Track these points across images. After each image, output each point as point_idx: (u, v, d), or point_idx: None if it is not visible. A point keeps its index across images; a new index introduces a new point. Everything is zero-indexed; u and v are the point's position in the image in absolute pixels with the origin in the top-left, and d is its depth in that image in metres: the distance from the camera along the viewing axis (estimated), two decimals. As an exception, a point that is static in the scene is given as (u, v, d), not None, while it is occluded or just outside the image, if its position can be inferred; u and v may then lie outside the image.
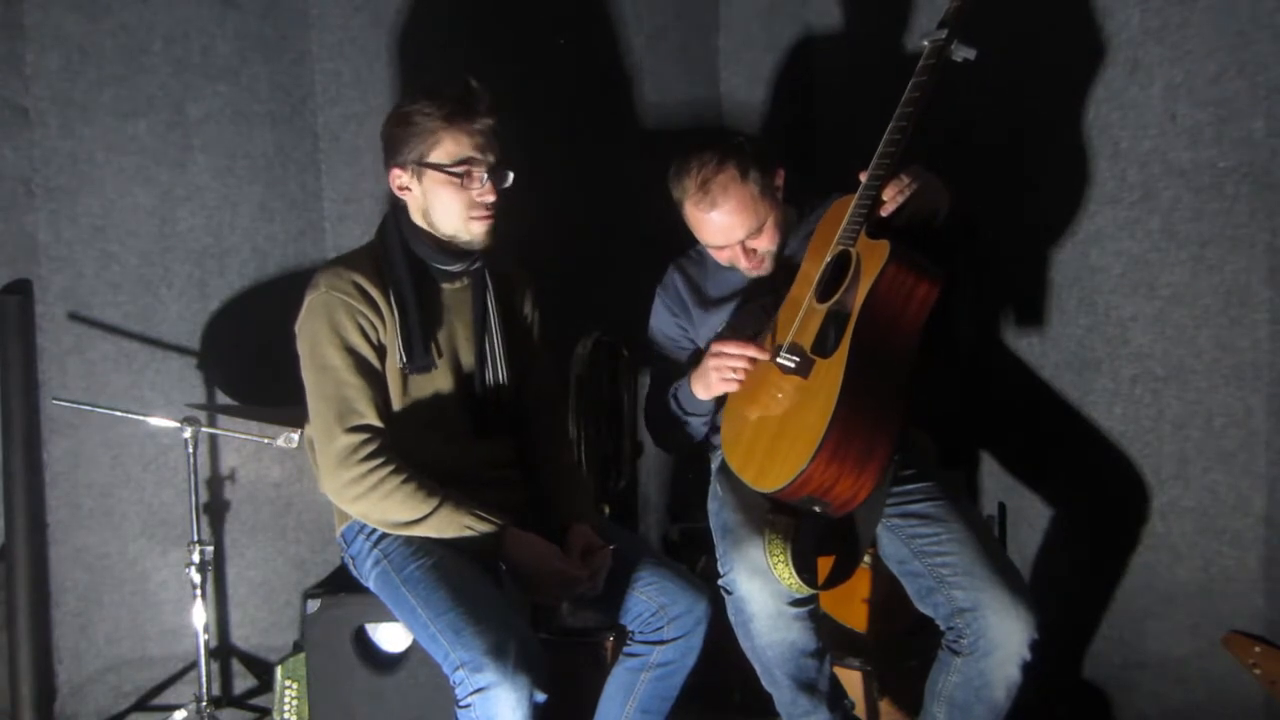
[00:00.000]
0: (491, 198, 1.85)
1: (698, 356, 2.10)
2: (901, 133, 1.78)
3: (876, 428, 1.68)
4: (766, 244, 2.02)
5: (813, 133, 2.88)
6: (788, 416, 1.77)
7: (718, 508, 2.02)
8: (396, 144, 1.84)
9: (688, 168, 1.98)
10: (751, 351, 1.87)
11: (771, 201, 1.99)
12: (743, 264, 2.03)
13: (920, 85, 1.79)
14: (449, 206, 1.84)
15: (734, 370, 1.88)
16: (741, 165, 1.96)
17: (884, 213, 1.79)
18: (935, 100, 1.79)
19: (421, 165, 1.83)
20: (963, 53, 1.79)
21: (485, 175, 1.83)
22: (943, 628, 1.83)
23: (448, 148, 1.82)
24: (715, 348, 1.92)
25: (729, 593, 1.89)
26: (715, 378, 1.91)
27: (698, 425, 2.08)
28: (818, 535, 1.80)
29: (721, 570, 1.92)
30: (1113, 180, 2.04)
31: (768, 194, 1.98)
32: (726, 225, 1.97)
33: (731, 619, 1.91)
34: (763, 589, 1.81)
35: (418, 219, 1.89)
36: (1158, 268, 1.98)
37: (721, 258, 2.07)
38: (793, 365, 1.80)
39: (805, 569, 1.76)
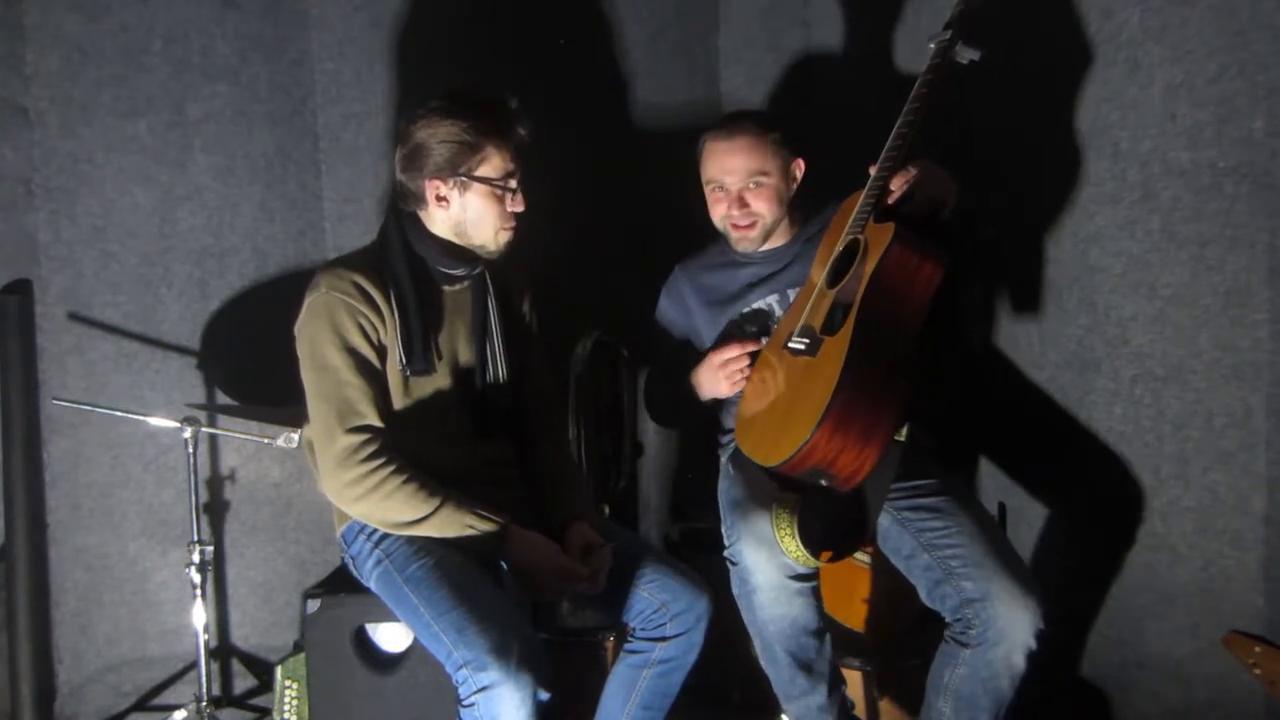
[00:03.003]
0: (521, 208, 1.89)
1: (699, 355, 2.14)
2: (908, 127, 1.82)
3: (880, 402, 1.69)
4: (762, 205, 2.07)
5: (812, 133, 2.88)
6: (796, 393, 1.80)
7: (728, 485, 2.06)
8: (434, 156, 1.83)
9: (721, 119, 2.13)
10: (749, 347, 1.99)
11: (781, 166, 2.08)
12: (734, 214, 2.07)
13: (926, 84, 1.84)
14: (487, 218, 1.87)
15: (741, 372, 1.98)
16: (767, 121, 2.10)
17: (890, 201, 1.83)
18: (941, 99, 1.81)
19: (469, 178, 1.84)
20: (967, 54, 1.84)
21: (517, 187, 1.88)
22: (949, 619, 1.84)
23: (494, 162, 1.85)
24: (718, 356, 2.00)
25: (734, 563, 1.91)
26: (726, 385, 2.00)
27: (699, 409, 2.15)
28: (825, 509, 1.80)
29: (728, 541, 1.94)
30: (1113, 180, 2.04)
31: (780, 157, 2.07)
32: (734, 162, 2.06)
33: (735, 591, 1.93)
34: (768, 560, 1.83)
35: (440, 227, 1.90)
36: (1158, 268, 1.98)
37: (718, 210, 2.10)
38: (803, 347, 1.84)
39: (810, 541, 1.78)
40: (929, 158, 1.86)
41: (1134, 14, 1.97)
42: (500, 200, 1.86)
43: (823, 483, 1.74)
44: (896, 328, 1.75)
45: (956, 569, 1.82)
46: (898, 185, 1.83)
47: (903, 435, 1.79)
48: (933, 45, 1.86)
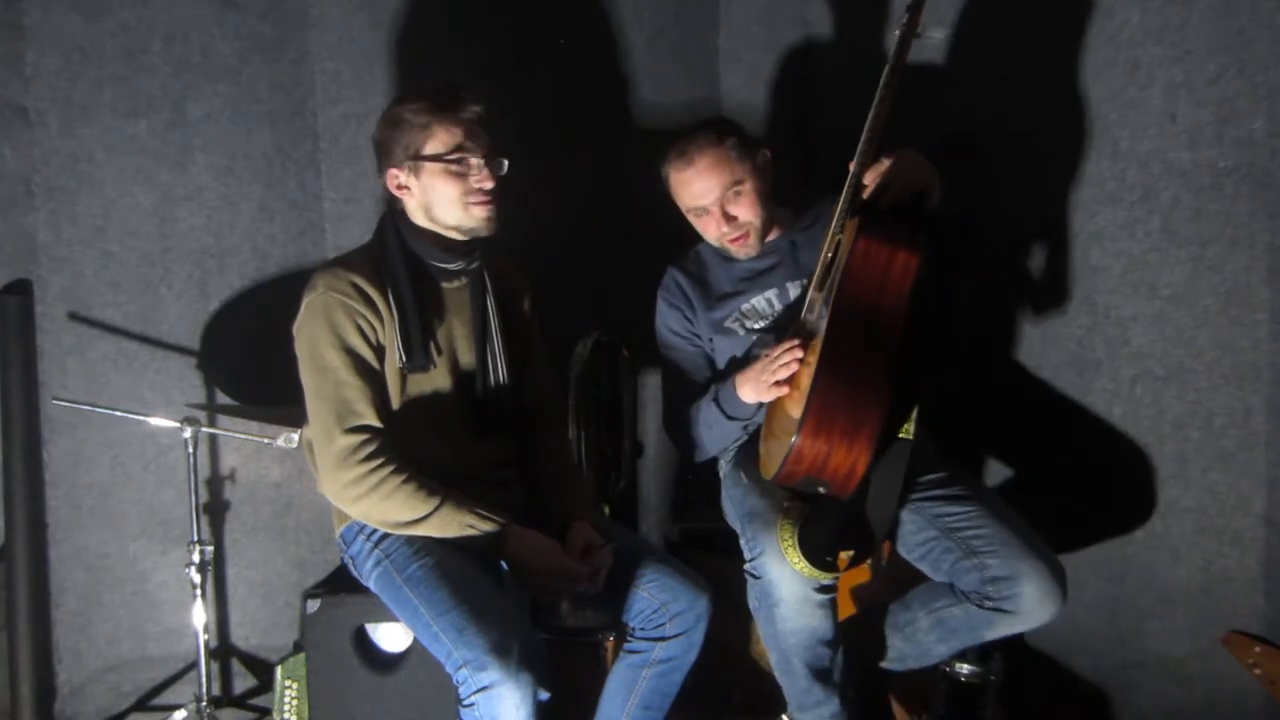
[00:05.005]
0: (489, 184, 1.86)
1: (721, 368, 2.13)
2: (876, 119, 1.80)
3: (861, 397, 1.66)
4: (746, 212, 2.05)
5: (812, 132, 2.88)
6: (790, 402, 1.79)
7: (742, 494, 2.02)
8: (390, 145, 1.86)
9: (671, 142, 2.08)
10: (788, 344, 1.86)
11: (750, 168, 2.05)
12: (725, 231, 2.06)
13: (891, 71, 1.80)
14: (448, 196, 1.85)
15: (779, 372, 1.86)
16: (719, 131, 2.05)
17: (866, 196, 1.80)
18: (906, 85, 1.79)
19: (418, 160, 1.84)
20: (935, 33, 1.81)
21: (481, 162, 1.85)
22: (968, 592, 1.83)
23: (441, 138, 1.84)
24: (770, 352, 1.91)
25: (756, 577, 1.89)
26: (762, 389, 1.90)
27: (734, 429, 2.08)
28: (830, 520, 1.80)
29: (750, 554, 1.92)
30: (1113, 180, 2.04)
31: (746, 159, 2.04)
32: (703, 184, 2.03)
33: (754, 604, 1.91)
34: (794, 573, 1.82)
35: (418, 218, 1.90)
36: (1158, 268, 1.98)
37: (708, 231, 2.10)
38: (802, 355, 1.83)
39: (812, 553, 1.77)
40: (907, 146, 1.82)
41: (1134, 14, 1.97)
42: (458, 176, 1.84)
43: (820, 490, 1.73)
44: (874, 322, 1.70)
45: (980, 548, 1.81)
46: (871, 180, 1.79)
47: (909, 434, 1.78)
48: (897, 32, 1.83)
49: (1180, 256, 1.94)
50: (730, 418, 2.05)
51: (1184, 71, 1.89)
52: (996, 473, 2.45)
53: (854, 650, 2.00)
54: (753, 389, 1.95)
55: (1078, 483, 2.23)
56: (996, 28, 2.30)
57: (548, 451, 2.06)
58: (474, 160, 1.85)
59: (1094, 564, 2.18)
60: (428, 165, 1.84)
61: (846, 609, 2.21)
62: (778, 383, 1.87)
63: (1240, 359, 1.89)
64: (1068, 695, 2.26)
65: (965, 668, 2.03)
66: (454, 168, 1.84)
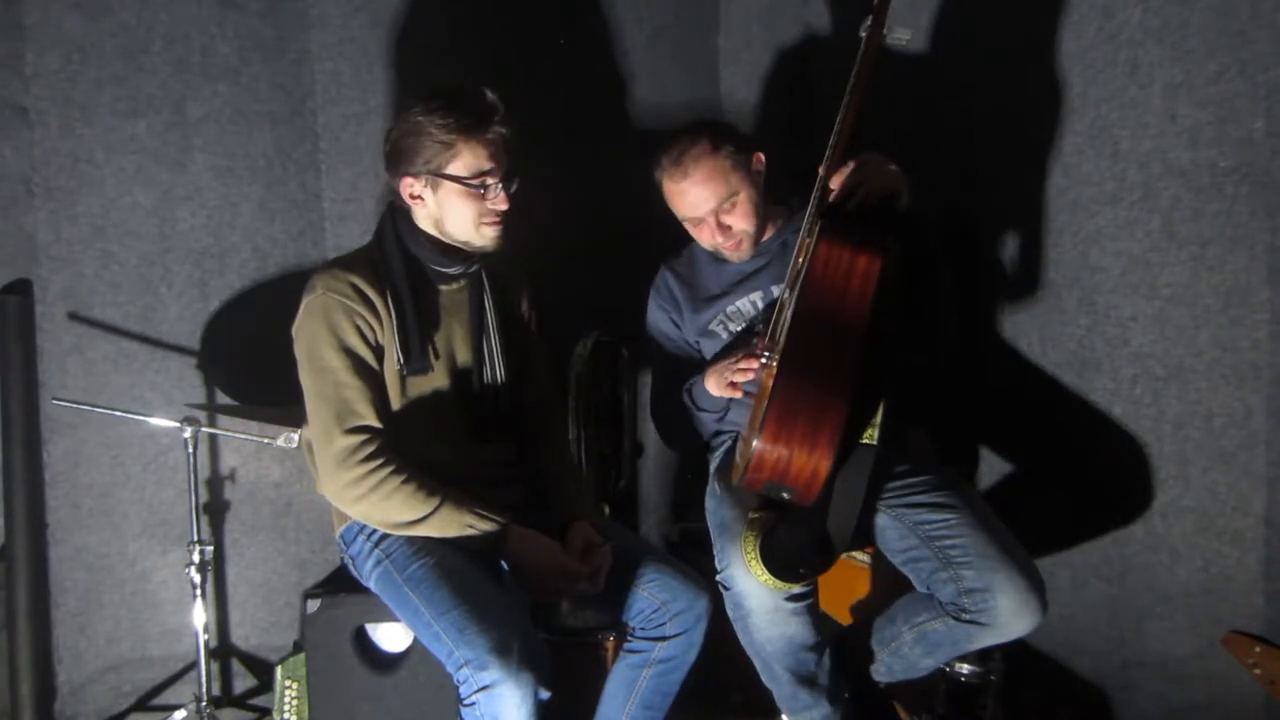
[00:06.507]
0: (505, 206, 1.86)
1: (701, 358, 2.13)
2: (841, 123, 1.78)
3: (821, 401, 1.63)
4: (741, 222, 2.05)
5: (812, 132, 2.88)
6: (757, 408, 1.79)
7: (715, 505, 2.04)
8: (410, 154, 1.82)
9: (665, 146, 2.06)
10: (754, 356, 1.90)
11: (745, 176, 2.04)
12: (719, 240, 2.06)
13: (856, 74, 1.79)
14: (463, 215, 1.85)
15: (733, 372, 1.93)
16: (714, 139, 2.03)
17: (832, 200, 1.79)
18: (871, 87, 1.78)
19: (438, 176, 1.83)
20: (896, 36, 1.79)
21: (499, 184, 1.84)
22: (945, 604, 1.83)
23: (465, 160, 1.82)
24: (727, 358, 1.98)
25: (727, 588, 1.89)
26: (721, 384, 1.98)
27: (709, 421, 2.12)
28: (793, 531, 1.79)
29: (719, 566, 1.92)
30: (1113, 180, 2.04)
31: (741, 168, 2.03)
32: (698, 195, 2.02)
33: (730, 614, 1.91)
34: (761, 585, 1.82)
35: (425, 225, 1.89)
36: (1158, 268, 1.98)
37: (702, 238, 2.10)
38: (768, 359, 1.84)
39: (775, 565, 1.77)
40: (874, 150, 1.81)
41: (1134, 14, 1.97)
42: (477, 197, 1.84)
43: (785, 496, 1.71)
44: (835, 326, 1.67)
45: (956, 558, 1.81)
46: (837, 183, 1.78)
47: (873, 439, 1.76)
48: (862, 35, 1.81)
49: (1180, 256, 1.94)
50: (700, 409, 2.09)
51: (1184, 71, 1.89)
52: (996, 472, 2.45)
53: (849, 654, 2.00)
54: (715, 381, 2.00)
55: (1078, 483, 2.23)
56: (996, 27, 2.30)
57: (548, 451, 2.06)
58: (493, 183, 1.84)
59: (1094, 564, 2.18)
60: (447, 184, 1.83)
61: (844, 620, 2.21)
62: (732, 384, 1.93)
63: (1240, 359, 1.89)
64: (1068, 695, 2.26)
65: (965, 668, 2.04)
66: (475, 191, 1.83)
